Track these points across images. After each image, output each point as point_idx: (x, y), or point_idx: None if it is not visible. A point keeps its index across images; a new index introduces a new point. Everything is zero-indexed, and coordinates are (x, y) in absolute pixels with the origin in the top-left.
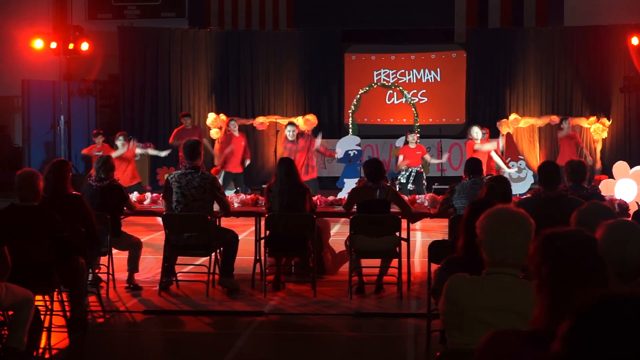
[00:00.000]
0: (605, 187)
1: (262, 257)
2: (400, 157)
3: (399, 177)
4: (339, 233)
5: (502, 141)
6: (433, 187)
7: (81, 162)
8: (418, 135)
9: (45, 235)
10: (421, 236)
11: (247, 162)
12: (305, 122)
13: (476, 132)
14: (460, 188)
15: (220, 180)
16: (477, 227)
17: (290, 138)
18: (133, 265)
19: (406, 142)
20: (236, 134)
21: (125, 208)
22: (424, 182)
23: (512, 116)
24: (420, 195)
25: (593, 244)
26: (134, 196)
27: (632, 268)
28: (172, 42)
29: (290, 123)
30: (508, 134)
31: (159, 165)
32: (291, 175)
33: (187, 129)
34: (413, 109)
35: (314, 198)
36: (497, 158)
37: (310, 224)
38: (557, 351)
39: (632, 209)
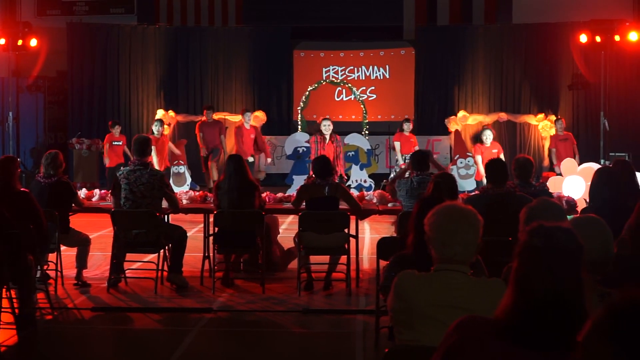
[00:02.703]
0: (553, 184)
1: (211, 254)
2: (397, 144)
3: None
4: (287, 229)
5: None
6: (382, 184)
7: (30, 158)
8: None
9: None
10: (370, 233)
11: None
12: (254, 118)
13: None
14: (408, 184)
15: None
16: (426, 224)
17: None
18: (81, 262)
19: (401, 130)
20: (247, 126)
21: (73, 205)
22: None
23: (461, 113)
24: (368, 192)
25: (574, 254)
26: (82, 193)
27: (595, 264)
28: (120, 38)
29: (326, 118)
30: (456, 131)
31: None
32: (240, 172)
33: (208, 122)
34: (362, 106)
35: (263, 195)
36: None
37: (259, 221)
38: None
39: (580, 206)
